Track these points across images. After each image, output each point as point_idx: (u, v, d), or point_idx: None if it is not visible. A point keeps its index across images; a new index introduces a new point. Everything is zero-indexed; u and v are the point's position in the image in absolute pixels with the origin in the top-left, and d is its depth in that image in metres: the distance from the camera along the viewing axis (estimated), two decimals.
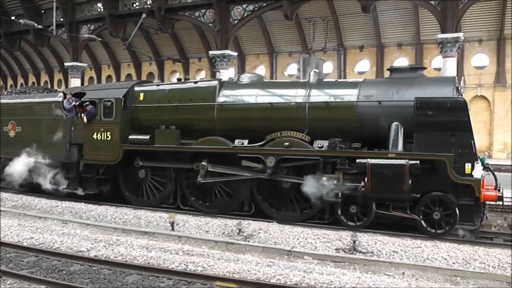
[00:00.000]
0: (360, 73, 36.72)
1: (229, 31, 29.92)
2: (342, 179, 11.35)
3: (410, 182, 10.58)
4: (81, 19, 36.14)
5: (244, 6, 29.44)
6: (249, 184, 12.81)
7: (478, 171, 10.48)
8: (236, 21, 29.80)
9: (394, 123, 11.33)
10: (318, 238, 10.61)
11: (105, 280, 7.89)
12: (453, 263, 9.26)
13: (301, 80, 13.48)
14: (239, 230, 11.24)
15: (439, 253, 9.63)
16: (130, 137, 14.26)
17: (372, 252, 9.85)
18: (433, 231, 10.82)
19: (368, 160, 10.96)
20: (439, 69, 29.39)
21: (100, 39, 28.81)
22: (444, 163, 10.52)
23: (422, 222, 10.91)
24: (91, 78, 49.44)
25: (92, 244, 9.95)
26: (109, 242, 10.26)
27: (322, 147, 11.91)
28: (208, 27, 30.87)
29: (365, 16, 31.58)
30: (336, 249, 10.10)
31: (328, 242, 10.42)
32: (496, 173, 11.53)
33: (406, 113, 11.16)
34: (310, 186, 11.57)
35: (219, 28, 29.64)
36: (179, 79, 15.62)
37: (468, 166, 10.52)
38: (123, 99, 14.32)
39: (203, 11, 30.52)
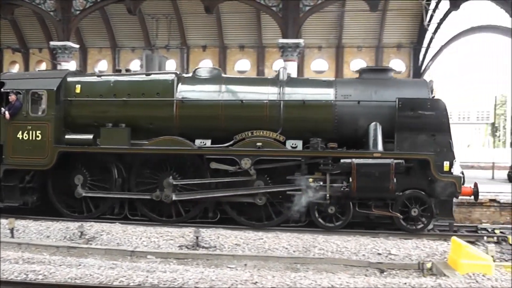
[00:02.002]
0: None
1: (71, 21, 28.51)
2: (329, 180, 11.22)
3: (395, 181, 10.86)
4: None
5: None
6: (215, 189, 12.00)
7: (457, 169, 11.08)
8: (78, 12, 28.48)
9: (373, 123, 11.50)
10: (161, 236, 10.52)
11: None
12: (294, 251, 9.75)
13: (269, 77, 12.91)
14: (81, 233, 10.74)
15: (280, 243, 10.07)
16: (67, 137, 12.39)
17: (215, 247, 10.00)
18: (413, 227, 11.30)
19: (353, 160, 10.99)
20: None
21: None
22: (427, 161, 10.97)
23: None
24: None
25: None
26: None
27: (296, 147, 11.65)
28: (49, 15, 29.03)
29: (208, 16, 31.85)
30: (179, 246, 10.09)
31: (172, 239, 10.37)
32: None
33: (385, 113, 11.51)
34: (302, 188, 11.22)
35: (60, 18, 28.07)
36: (118, 70, 14.06)
37: (446, 164, 11.09)
38: (57, 91, 12.35)
39: None
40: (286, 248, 9.95)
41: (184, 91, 12.22)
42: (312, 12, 26.56)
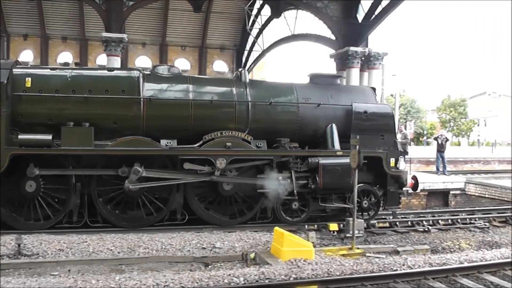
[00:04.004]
0: (24, 63, 34.58)
1: None
2: (295, 177, 11.71)
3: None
4: None
5: None
6: (183, 190, 11.46)
7: (402, 165, 12.28)
8: None
9: (330, 125, 12.31)
10: None
11: None
12: (118, 252, 9.47)
13: (231, 78, 12.71)
14: None
15: (104, 245, 9.72)
16: (21, 137, 10.58)
17: (38, 254, 9.40)
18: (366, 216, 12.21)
19: (320, 158, 11.64)
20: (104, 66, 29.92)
21: None
22: (380, 158, 12.14)
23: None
24: None
25: None
26: None
27: (261, 147, 11.86)
28: None
29: (29, 3, 30.04)
30: (0, 255, 9.34)
31: None
32: None
33: (341, 115, 12.45)
34: (271, 185, 11.46)
35: None
36: (66, 64, 12.42)
37: (392, 160, 12.34)
38: (6, 84, 10.45)
39: None
40: (111, 250, 9.61)
41: (151, 90, 11.53)
42: (136, 7, 26.32)
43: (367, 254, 9.42)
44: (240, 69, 12.86)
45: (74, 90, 11.08)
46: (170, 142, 11.50)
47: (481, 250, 10.15)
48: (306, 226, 11.84)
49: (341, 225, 11.51)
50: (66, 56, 34.56)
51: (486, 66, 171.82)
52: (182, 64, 36.49)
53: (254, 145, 11.86)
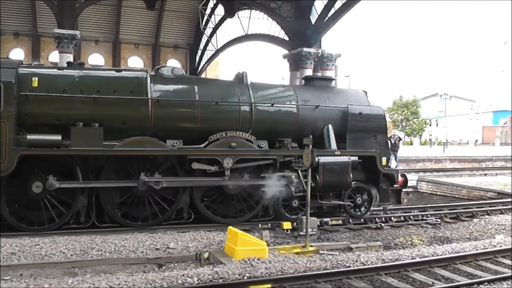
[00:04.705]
0: None
1: None
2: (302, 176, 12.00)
3: (351, 175, 12.26)
4: None
5: None
6: (189, 189, 11.65)
7: (393, 163, 12.58)
8: None
9: (327, 126, 12.79)
10: None
11: None
12: (71, 255, 9.26)
13: (232, 80, 12.95)
14: None
15: (57, 248, 9.48)
16: (29, 137, 10.32)
17: None
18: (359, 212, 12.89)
19: (320, 158, 11.87)
20: (56, 63, 29.29)
21: None
22: (374, 157, 12.72)
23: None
24: None
25: None
26: None
27: (263, 147, 12.13)
28: None
29: None
30: None
31: None
32: None
33: (337, 117, 12.98)
34: (275, 184, 11.74)
35: None
36: (69, 63, 12.14)
37: (384, 159, 12.92)
38: (14, 83, 10.14)
39: None
40: (64, 253, 9.38)
41: (158, 91, 11.55)
42: (89, 4, 25.90)
43: (321, 252, 9.51)
44: (241, 71, 13.03)
45: (82, 90, 11.00)
46: (176, 142, 11.61)
47: (433, 246, 10.37)
48: (260, 225, 11.87)
49: (295, 224, 11.55)
50: (18, 53, 33.70)
51: (438, 68, 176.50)
52: (135, 62, 36.11)
53: (256, 145, 12.18)
